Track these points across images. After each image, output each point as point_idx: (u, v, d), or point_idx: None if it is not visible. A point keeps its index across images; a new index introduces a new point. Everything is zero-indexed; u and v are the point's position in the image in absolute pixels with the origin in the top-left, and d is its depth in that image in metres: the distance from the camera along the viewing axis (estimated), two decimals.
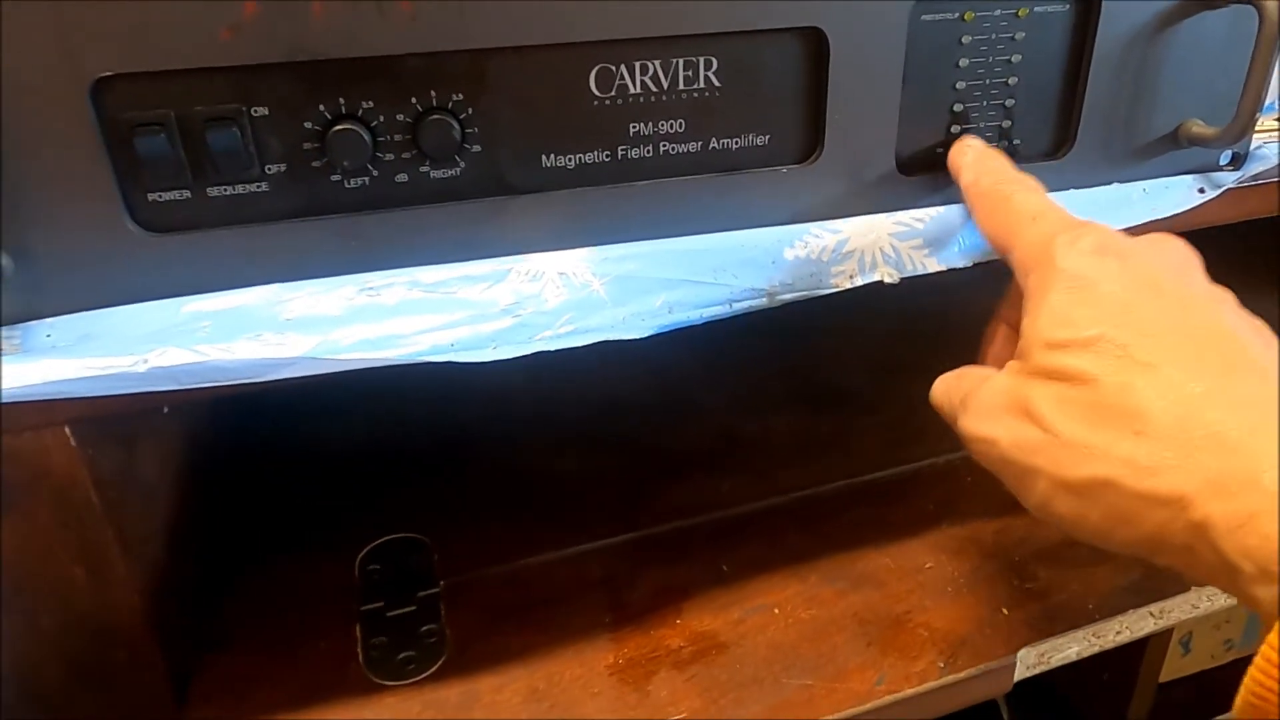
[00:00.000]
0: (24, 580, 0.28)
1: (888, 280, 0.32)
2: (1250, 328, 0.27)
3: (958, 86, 0.33)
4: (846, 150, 0.33)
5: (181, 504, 0.35)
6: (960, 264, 0.33)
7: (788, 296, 0.32)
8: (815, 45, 0.31)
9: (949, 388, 0.31)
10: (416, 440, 0.44)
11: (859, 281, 0.32)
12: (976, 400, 0.29)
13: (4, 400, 0.24)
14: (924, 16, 0.32)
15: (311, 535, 0.40)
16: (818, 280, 0.32)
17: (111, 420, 0.27)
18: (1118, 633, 0.36)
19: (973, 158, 0.33)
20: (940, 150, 0.34)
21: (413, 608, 0.35)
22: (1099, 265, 0.27)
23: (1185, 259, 0.29)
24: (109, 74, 0.25)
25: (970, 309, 0.35)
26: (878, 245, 0.32)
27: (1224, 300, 0.28)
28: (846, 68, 0.31)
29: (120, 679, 0.30)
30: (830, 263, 0.32)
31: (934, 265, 0.33)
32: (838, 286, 0.32)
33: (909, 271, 0.33)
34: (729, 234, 0.32)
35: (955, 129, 0.34)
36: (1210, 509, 0.22)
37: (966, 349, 0.34)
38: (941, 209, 0.34)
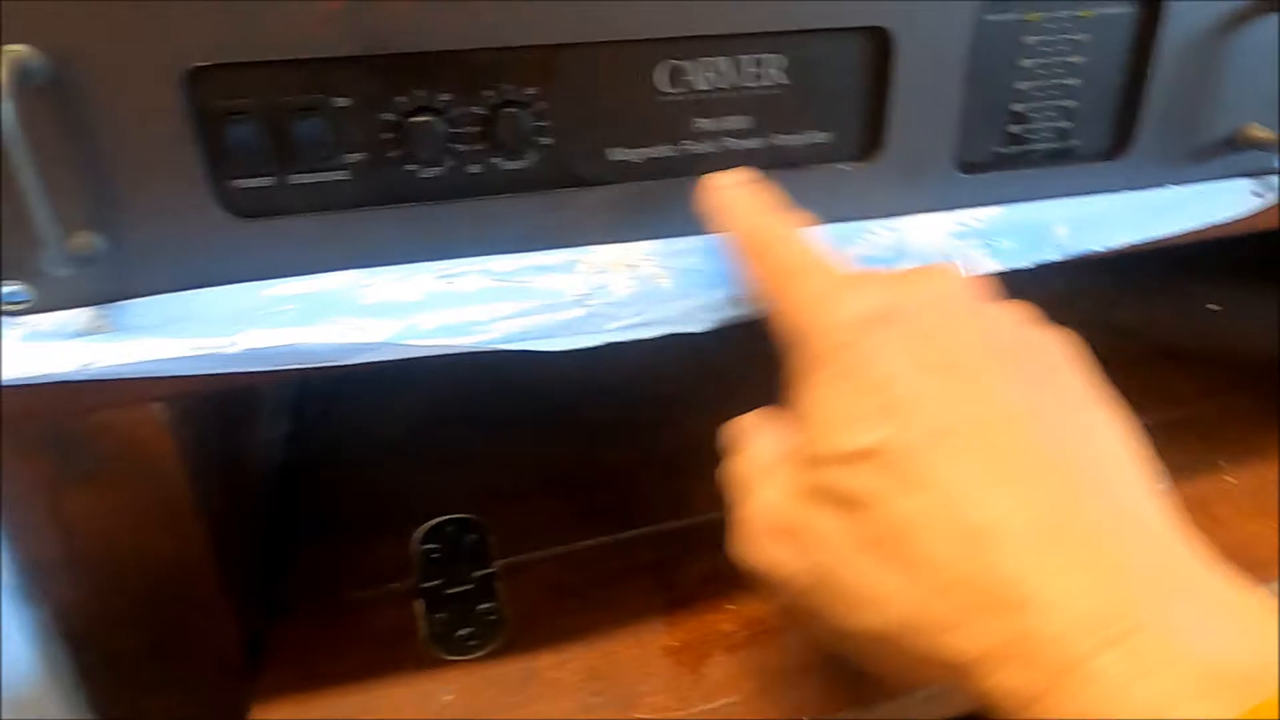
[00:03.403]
0: (108, 548, 0.29)
1: None
2: (1053, 396, 0.22)
3: (1019, 87, 0.34)
4: (906, 148, 0.33)
5: (249, 479, 0.37)
6: (1021, 264, 0.33)
7: None
8: (881, 44, 0.31)
9: (726, 476, 0.26)
10: (468, 423, 0.45)
11: None
12: (744, 514, 0.24)
13: (99, 377, 0.25)
14: (988, 17, 0.32)
15: (367, 514, 0.42)
16: None
17: (195, 397, 0.28)
18: None
19: (730, 202, 0.29)
20: (999, 150, 0.35)
21: (470, 586, 0.36)
22: (869, 341, 0.22)
23: (964, 294, 0.24)
24: (203, 65, 0.26)
25: None
26: (936, 244, 0.33)
27: (1022, 354, 0.23)
28: (910, 67, 0.32)
29: (196, 645, 0.31)
30: (889, 260, 0.32)
31: (992, 264, 0.33)
32: None
33: (966, 271, 0.33)
34: None
35: (1014, 128, 0.35)
36: (999, 679, 0.18)
37: None
38: (1001, 209, 0.34)
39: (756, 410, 0.27)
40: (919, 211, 0.34)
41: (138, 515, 0.29)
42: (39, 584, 0.29)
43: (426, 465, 0.44)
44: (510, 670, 0.32)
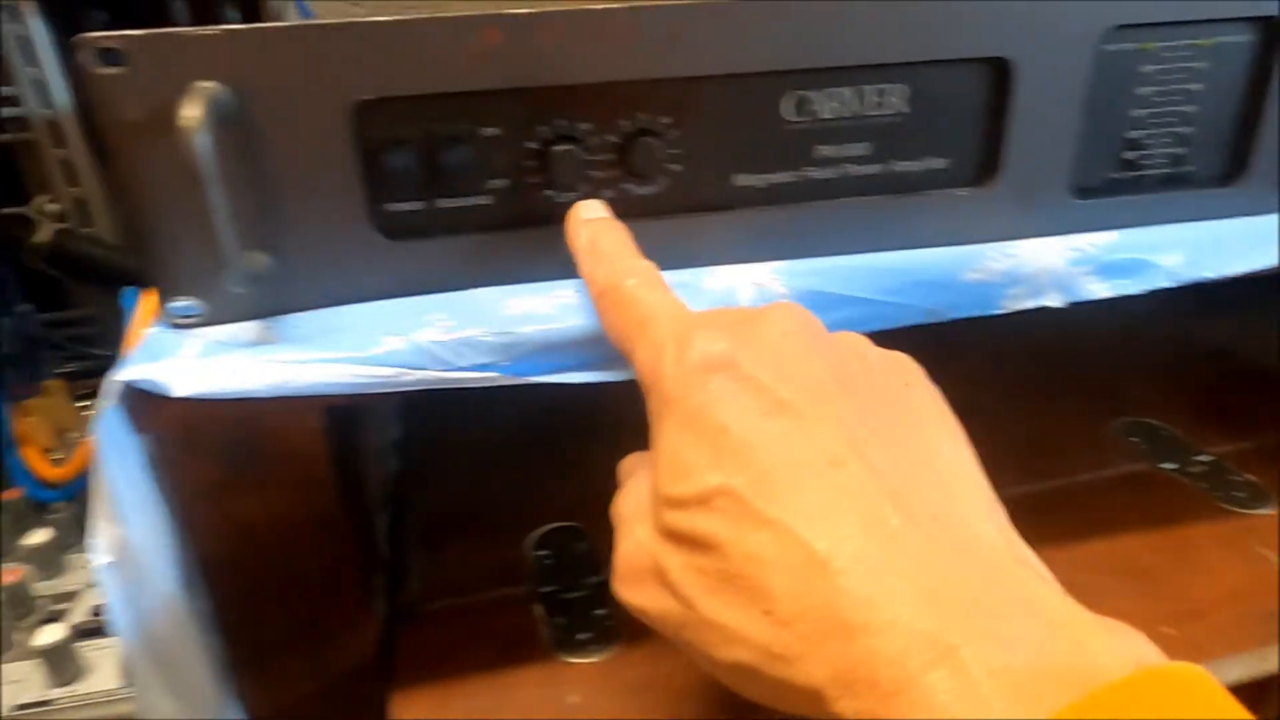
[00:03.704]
0: (266, 548, 0.31)
1: (1054, 305, 0.33)
2: (890, 420, 0.23)
3: (1135, 114, 0.34)
4: (1022, 174, 0.34)
5: (372, 483, 0.39)
6: (1133, 290, 0.33)
7: (952, 316, 0.33)
8: (1002, 74, 0.32)
9: (614, 511, 0.26)
10: (570, 431, 0.46)
11: (1027, 305, 0.33)
12: (620, 552, 0.25)
13: (278, 394, 0.27)
14: (1107, 47, 0.33)
15: (477, 519, 0.43)
16: (989, 302, 0.33)
17: (348, 405, 0.30)
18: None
19: (587, 239, 0.29)
20: (1113, 176, 0.35)
21: (584, 593, 0.37)
22: (708, 388, 0.23)
23: (804, 330, 0.24)
24: (369, 98, 0.28)
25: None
26: (1050, 269, 0.33)
27: (861, 382, 0.24)
28: (1029, 96, 0.32)
29: (337, 643, 0.33)
30: (1003, 285, 0.33)
31: (1104, 291, 0.33)
32: (1005, 309, 0.33)
33: (1078, 296, 0.33)
34: (905, 254, 0.33)
35: (1129, 155, 0.35)
36: (845, 703, 0.19)
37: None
38: (1115, 234, 0.35)
39: (644, 452, 0.28)
40: (1032, 236, 0.35)
41: (294, 517, 0.31)
42: (204, 580, 0.31)
43: (530, 471, 0.46)
44: (631, 675, 0.33)
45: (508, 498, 0.44)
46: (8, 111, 0.59)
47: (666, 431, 0.23)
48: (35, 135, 0.60)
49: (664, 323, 0.25)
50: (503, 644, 0.35)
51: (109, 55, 0.26)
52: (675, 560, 0.22)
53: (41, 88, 0.59)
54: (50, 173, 0.62)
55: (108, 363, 0.67)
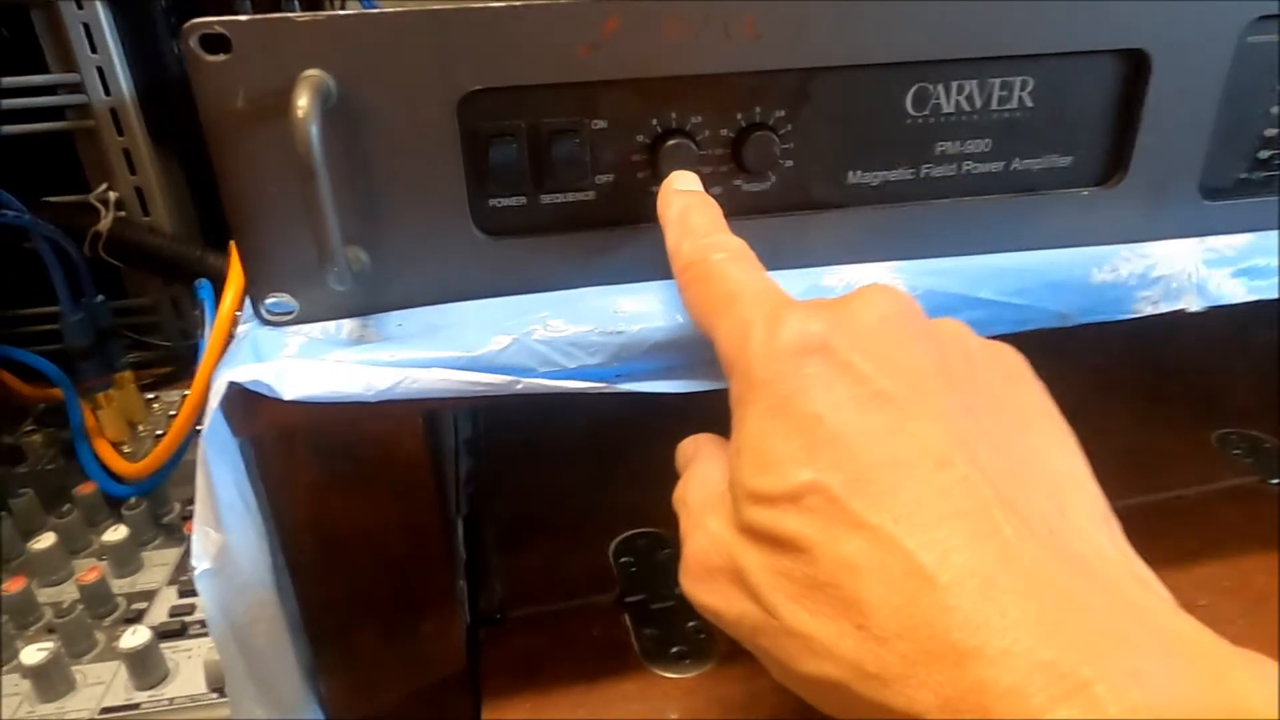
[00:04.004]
0: (358, 550, 0.30)
1: (1191, 309, 0.32)
2: (996, 417, 0.21)
3: (1273, 111, 0.32)
4: (1150, 173, 0.32)
5: (467, 486, 0.38)
6: (1271, 295, 0.32)
7: (1083, 320, 0.32)
8: (1137, 67, 0.30)
9: (678, 499, 0.25)
10: (643, 435, 0.45)
11: (1161, 308, 0.32)
12: (691, 547, 0.23)
13: (378, 399, 0.26)
14: (1250, 39, 0.31)
15: (553, 522, 0.42)
16: (1119, 305, 0.31)
17: (446, 409, 0.29)
18: None
19: (677, 212, 0.27)
20: (1244, 176, 0.33)
21: (673, 603, 0.36)
22: (800, 374, 0.21)
23: (903, 315, 0.22)
24: (477, 88, 0.27)
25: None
26: (1186, 271, 0.31)
27: (964, 374, 0.22)
28: (1165, 90, 0.30)
29: (426, 646, 0.32)
30: (1136, 287, 0.31)
31: (1243, 294, 0.31)
32: (1138, 312, 0.31)
33: (1215, 300, 0.32)
34: (1028, 254, 0.32)
35: (1264, 154, 0.33)
36: None
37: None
38: (1252, 236, 0.33)
39: (709, 434, 0.26)
40: (1156, 238, 0.33)
41: (389, 521, 0.30)
42: (295, 585, 0.30)
43: (605, 474, 0.45)
44: (732, 691, 0.32)
45: (585, 501, 0.43)
46: (70, 99, 0.58)
47: (752, 418, 0.21)
48: (96, 123, 0.60)
49: (753, 300, 0.23)
50: (593, 655, 0.34)
51: (214, 41, 0.25)
52: (756, 560, 0.21)
53: (104, 75, 0.59)
54: (111, 161, 0.61)
55: (169, 353, 0.67)
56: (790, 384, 0.21)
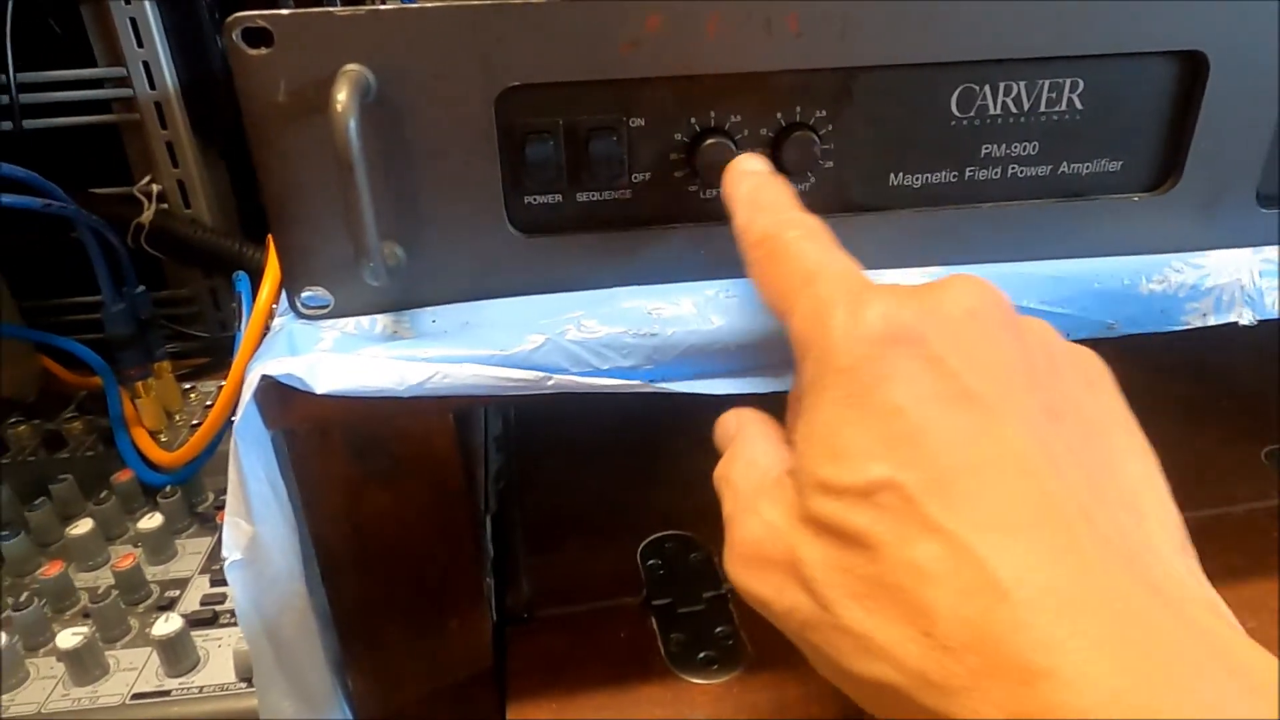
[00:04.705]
0: (388, 545, 0.30)
1: (1243, 322, 0.31)
2: (1079, 424, 0.20)
3: None
4: (1205, 180, 0.31)
5: (497, 483, 0.37)
6: None
7: (1130, 330, 0.31)
8: (1193, 69, 0.29)
9: (722, 478, 0.24)
10: (673, 437, 0.44)
11: (1211, 321, 0.30)
12: (742, 532, 0.22)
13: (411, 394, 0.26)
14: None
15: (579, 521, 0.42)
16: (1168, 317, 0.30)
17: (477, 406, 0.29)
18: None
19: (748, 190, 0.26)
20: None
21: (701, 607, 0.36)
22: (884, 361, 0.20)
23: (993, 310, 0.21)
24: (515, 84, 0.27)
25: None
26: (1239, 283, 0.30)
27: (1049, 376, 0.21)
28: (1223, 93, 0.29)
29: (453, 643, 0.32)
30: (1185, 299, 0.30)
31: None
32: (1188, 324, 0.30)
33: (1269, 313, 0.30)
34: (1075, 262, 0.31)
35: None
36: None
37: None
38: None
39: (751, 410, 0.24)
40: (1210, 248, 0.32)
41: (419, 515, 0.30)
42: (325, 579, 0.30)
43: (635, 475, 0.44)
44: (760, 700, 0.31)
45: (614, 501, 0.43)
46: (116, 92, 0.59)
47: (827, 404, 0.20)
48: (141, 116, 0.61)
49: (834, 280, 0.22)
50: (619, 658, 0.34)
51: (256, 35, 0.26)
52: (816, 553, 0.20)
53: (149, 69, 0.59)
54: (154, 154, 0.62)
55: (206, 344, 0.68)
56: (873, 372, 0.20)
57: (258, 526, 0.27)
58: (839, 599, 0.19)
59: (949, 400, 0.19)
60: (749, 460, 0.23)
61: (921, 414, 0.19)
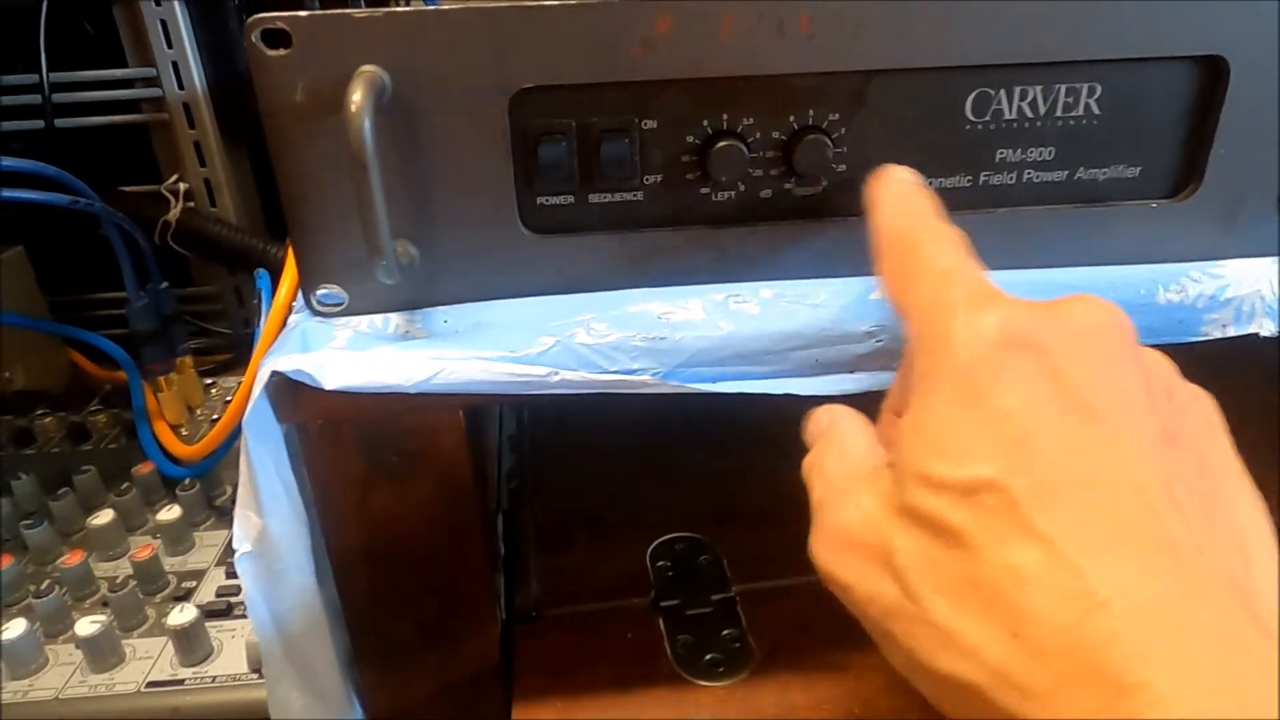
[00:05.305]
0: (401, 543, 0.31)
1: (1263, 334, 0.30)
2: (1193, 460, 0.20)
3: None
4: (1224, 187, 0.31)
5: (509, 482, 0.38)
6: None
7: (1146, 342, 0.30)
8: (1213, 74, 0.29)
9: (813, 466, 0.24)
10: (684, 439, 0.44)
11: (1231, 332, 0.30)
12: (834, 517, 0.22)
13: (418, 390, 0.26)
14: None
15: (591, 522, 0.42)
16: (1186, 327, 0.30)
17: (489, 404, 0.29)
18: None
19: (895, 194, 0.26)
20: None
21: (709, 609, 0.36)
22: (1001, 363, 0.20)
23: (1116, 332, 0.21)
24: (529, 86, 0.27)
25: None
26: (1260, 293, 0.30)
27: (1167, 408, 0.21)
28: (1244, 99, 0.29)
29: (461, 640, 0.33)
30: (1204, 309, 0.30)
31: None
32: (1207, 335, 0.30)
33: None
34: (1090, 269, 0.31)
35: None
36: None
37: None
38: None
39: (843, 406, 0.25)
40: (1229, 256, 0.31)
41: (429, 514, 0.30)
42: (336, 575, 0.30)
43: (647, 477, 0.44)
44: (765, 703, 0.31)
45: (624, 502, 0.43)
46: (146, 92, 0.61)
47: (940, 401, 0.21)
48: (170, 116, 0.62)
49: (962, 283, 0.22)
50: (626, 658, 0.34)
51: (275, 36, 0.26)
52: (909, 543, 0.20)
53: (178, 70, 0.61)
54: (182, 153, 0.63)
55: (229, 340, 0.69)
56: (989, 373, 0.20)
57: (267, 520, 0.27)
58: (928, 592, 0.19)
59: (1064, 410, 0.20)
60: (842, 450, 0.24)
61: (1033, 420, 0.19)
